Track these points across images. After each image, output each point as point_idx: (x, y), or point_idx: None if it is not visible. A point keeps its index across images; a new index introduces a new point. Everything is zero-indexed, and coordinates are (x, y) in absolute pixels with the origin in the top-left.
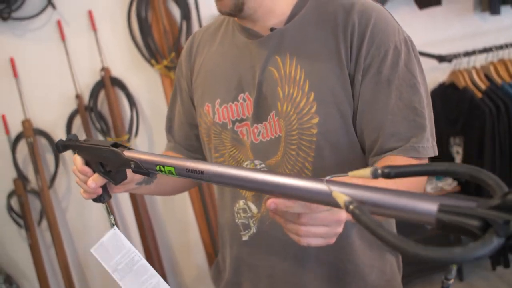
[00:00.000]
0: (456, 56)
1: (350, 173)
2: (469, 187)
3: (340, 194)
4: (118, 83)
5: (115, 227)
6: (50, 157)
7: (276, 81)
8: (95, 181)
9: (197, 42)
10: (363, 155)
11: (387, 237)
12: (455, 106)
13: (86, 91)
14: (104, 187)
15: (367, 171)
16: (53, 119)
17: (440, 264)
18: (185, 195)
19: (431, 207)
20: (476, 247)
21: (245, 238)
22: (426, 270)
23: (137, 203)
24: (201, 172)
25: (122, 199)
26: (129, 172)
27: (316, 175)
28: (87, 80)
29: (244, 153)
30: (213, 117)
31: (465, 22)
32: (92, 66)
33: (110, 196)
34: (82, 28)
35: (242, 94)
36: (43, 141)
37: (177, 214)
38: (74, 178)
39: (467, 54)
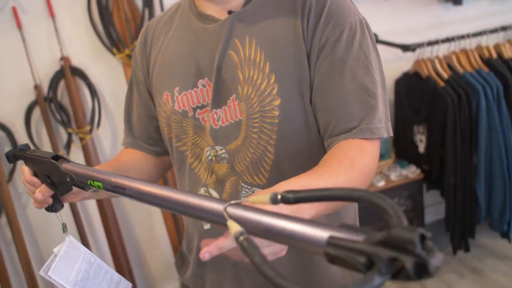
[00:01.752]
0: (419, 45)
1: (251, 199)
2: (431, 175)
3: (234, 224)
4: (78, 73)
5: (69, 235)
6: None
7: (236, 64)
8: (42, 192)
9: (151, 32)
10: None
11: (268, 274)
12: (418, 95)
13: (45, 81)
14: (55, 197)
15: (266, 197)
16: (11, 110)
17: None
18: None
19: (321, 238)
20: (356, 287)
21: (207, 226)
22: None
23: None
24: (123, 188)
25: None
26: None
27: (278, 158)
28: (46, 69)
29: (205, 140)
30: (173, 106)
31: (429, 12)
32: (51, 55)
33: (62, 206)
34: (40, 15)
35: (201, 80)
36: (0, 133)
37: (142, 206)
38: None
39: (431, 43)
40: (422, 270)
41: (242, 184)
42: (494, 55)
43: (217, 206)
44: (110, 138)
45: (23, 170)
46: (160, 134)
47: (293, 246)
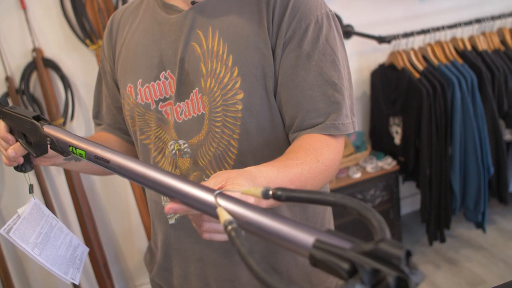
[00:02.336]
0: (395, 37)
1: (242, 190)
2: (407, 167)
3: (224, 212)
4: (51, 65)
5: (34, 196)
6: None
7: (199, 56)
8: (15, 150)
9: (117, 22)
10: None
11: (253, 267)
12: (394, 86)
13: (17, 73)
14: (26, 157)
15: (258, 191)
16: None
17: None
18: (126, 180)
19: (307, 241)
20: None
21: (171, 221)
22: None
23: (74, 188)
24: (107, 160)
25: (59, 184)
26: None
27: (242, 153)
28: (18, 61)
29: (169, 133)
30: (136, 98)
31: (404, 4)
32: (22, 46)
33: (32, 167)
34: (10, 5)
35: (164, 72)
36: None
37: (118, 199)
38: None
39: (406, 35)
40: (402, 285)
41: (205, 179)
42: (469, 47)
43: (207, 194)
44: (84, 130)
45: None
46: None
47: (278, 244)
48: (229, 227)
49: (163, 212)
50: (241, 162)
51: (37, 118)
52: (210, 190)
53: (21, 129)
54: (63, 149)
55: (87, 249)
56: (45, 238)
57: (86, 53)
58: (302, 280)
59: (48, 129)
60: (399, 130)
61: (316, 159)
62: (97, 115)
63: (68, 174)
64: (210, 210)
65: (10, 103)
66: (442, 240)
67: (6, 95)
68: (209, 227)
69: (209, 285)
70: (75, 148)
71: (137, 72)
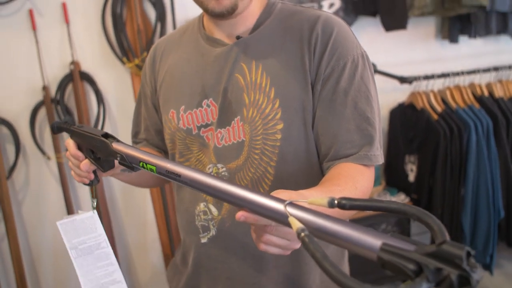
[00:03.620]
0: (416, 78)
1: (309, 200)
2: (419, 204)
3: (295, 221)
4: (87, 78)
5: (94, 211)
6: (10, 148)
7: (242, 87)
8: (86, 166)
9: (161, 50)
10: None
11: (329, 269)
12: (412, 125)
13: (53, 83)
14: (94, 172)
15: (324, 200)
16: (17, 109)
17: None
18: (147, 194)
19: (375, 244)
20: None
21: (204, 240)
22: (374, 281)
23: (96, 197)
24: (178, 175)
25: (81, 194)
26: (116, 161)
27: (278, 179)
28: (56, 72)
29: (208, 157)
30: (178, 123)
31: (426, 47)
32: (61, 58)
33: (98, 181)
34: (55, 19)
35: (206, 100)
36: (4, 130)
37: (137, 212)
38: (33, 170)
39: (427, 77)
40: (464, 283)
41: None
42: (486, 93)
43: (278, 204)
44: None
45: (68, 144)
46: (166, 147)
47: (347, 248)
48: (302, 234)
49: (195, 231)
50: (276, 187)
51: (106, 136)
52: (280, 200)
53: (90, 146)
54: (133, 163)
55: None
56: (88, 250)
57: (121, 70)
58: None
59: (117, 146)
60: (414, 168)
61: (354, 186)
62: (136, 134)
63: None
64: (281, 219)
65: (44, 112)
66: None
67: (41, 103)
68: (269, 239)
69: None
70: (146, 164)
71: (180, 99)
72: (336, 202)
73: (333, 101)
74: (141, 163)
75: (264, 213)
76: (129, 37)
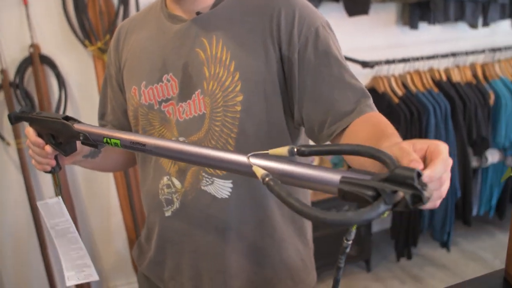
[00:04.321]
0: (378, 63)
1: (270, 151)
2: None
3: (259, 169)
4: (47, 61)
5: (59, 197)
6: None
7: (203, 61)
8: (48, 152)
9: (124, 30)
10: (284, 133)
11: (294, 204)
12: None
13: (12, 67)
14: (55, 158)
15: (284, 150)
16: None
17: (336, 225)
18: (110, 179)
19: (335, 178)
20: (366, 212)
21: (168, 214)
22: (336, 262)
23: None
24: (143, 144)
25: (42, 181)
26: (78, 145)
27: (238, 150)
28: (14, 55)
29: (171, 131)
30: (140, 99)
31: (387, 33)
32: (20, 41)
33: (60, 168)
34: (13, 1)
35: (166, 75)
36: None
37: (101, 198)
38: None
39: (388, 62)
40: (417, 201)
41: (203, 174)
42: (444, 78)
43: (241, 157)
44: None
45: (28, 132)
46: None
47: (310, 187)
48: (267, 179)
49: (159, 205)
50: None
51: (66, 118)
52: (243, 153)
53: (51, 131)
54: (96, 141)
55: (96, 278)
56: (61, 233)
57: (83, 53)
58: (285, 277)
59: (79, 126)
60: None
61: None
62: (102, 116)
63: None
64: (247, 170)
65: (2, 97)
66: (409, 257)
67: (0, 87)
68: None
69: (200, 275)
70: (110, 139)
71: (142, 75)
72: (295, 149)
73: (317, 66)
74: (105, 138)
75: (231, 168)
76: (91, 19)
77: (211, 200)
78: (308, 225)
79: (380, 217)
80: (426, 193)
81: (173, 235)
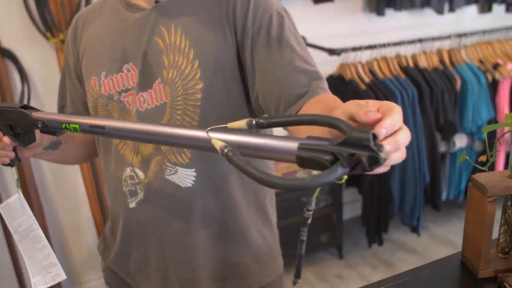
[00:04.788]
0: (344, 50)
1: (229, 125)
2: None
3: (217, 141)
4: (8, 55)
5: (19, 191)
6: None
7: (162, 50)
8: (6, 143)
9: (82, 20)
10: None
11: (252, 172)
12: (341, 96)
13: None
14: (14, 150)
15: (243, 122)
16: None
17: (295, 189)
18: (77, 173)
19: (293, 146)
20: (324, 175)
21: (132, 205)
22: (308, 250)
23: (25, 180)
24: (102, 127)
25: (8, 176)
26: (37, 136)
27: None
28: None
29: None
30: (99, 90)
31: (354, 20)
32: None
33: (19, 160)
34: None
35: (126, 65)
36: None
37: (68, 192)
38: None
39: (355, 49)
40: (373, 163)
41: (167, 163)
42: (411, 64)
43: (200, 132)
44: None
45: None
46: None
47: (268, 157)
48: (225, 150)
49: (123, 196)
50: None
51: (24, 107)
52: (201, 128)
53: (8, 121)
54: (55, 128)
55: (64, 277)
56: (25, 233)
57: (45, 46)
58: (252, 262)
59: (37, 114)
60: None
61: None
62: (62, 108)
63: (19, 166)
64: (206, 145)
65: None
66: (380, 243)
67: None
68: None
69: (167, 266)
70: (68, 124)
71: (101, 65)
72: (254, 122)
73: (269, 52)
74: (63, 124)
75: (191, 144)
76: (53, 11)
77: (175, 189)
78: (272, 211)
79: (339, 181)
80: (382, 154)
81: (138, 227)
